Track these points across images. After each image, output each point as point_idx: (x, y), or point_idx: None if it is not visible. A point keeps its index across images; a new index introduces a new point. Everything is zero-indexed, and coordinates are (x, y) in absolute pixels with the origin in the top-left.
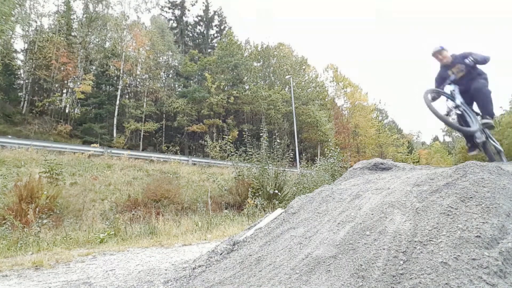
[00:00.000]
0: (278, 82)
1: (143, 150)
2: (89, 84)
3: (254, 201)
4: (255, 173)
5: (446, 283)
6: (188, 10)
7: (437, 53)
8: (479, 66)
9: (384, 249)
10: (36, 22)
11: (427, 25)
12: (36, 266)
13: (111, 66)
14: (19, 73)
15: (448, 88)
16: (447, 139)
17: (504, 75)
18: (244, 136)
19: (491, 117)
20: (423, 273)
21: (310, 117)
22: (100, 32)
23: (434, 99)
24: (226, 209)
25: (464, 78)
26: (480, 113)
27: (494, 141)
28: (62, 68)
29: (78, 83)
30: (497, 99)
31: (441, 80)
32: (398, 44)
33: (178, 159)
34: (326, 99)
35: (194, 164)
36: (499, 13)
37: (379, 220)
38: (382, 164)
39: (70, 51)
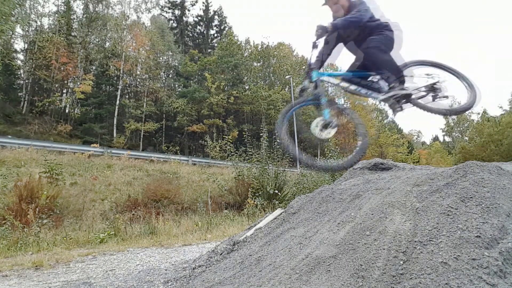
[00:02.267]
0: (278, 82)
1: (143, 150)
2: (89, 84)
3: (254, 201)
4: (255, 173)
5: (446, 283)
6: (188, 10)
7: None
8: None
9: (384, 249)
10: (36, 22)
11: (428, 24)
12: (36, 266)
13: (111, 66)
14: (19, 73)
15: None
16: (447, 139)
17: (504, 74)
18: (244, 136)
19: (400, 80)
20: (423, 273)
21: (310, 117)
22: (100, 32)
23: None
24: (226, 209)
25: (360, 35)
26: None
27: (430, 78)
28: (62, 68)
29: (78, 83)
30: (497, 99)
31: (336, 42)
32: None
33: (178, 159)
34: None
35: (194, 164)
36: (499, 12)
37: (379, 220)
38: (382, 164)
39: (70, 51)
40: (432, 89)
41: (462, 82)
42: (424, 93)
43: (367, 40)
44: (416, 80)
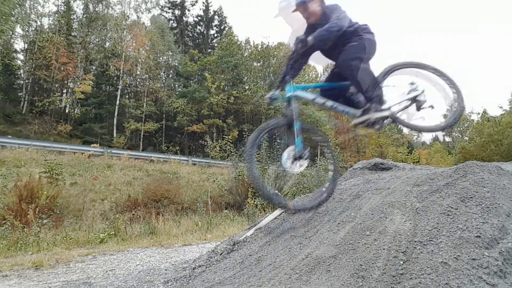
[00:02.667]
0: (278, 82)
1: (143, 150)
2: (89, 84)
3: (254, 201)
4: (255, 173)
5: (446, 283)
6: (188, 10)
7: (301, 6)
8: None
9: (384, 249)
10: (36, 22)
11: (429, 23)
12: (36, 266)
13: (111, 66)
14: (19, 73)
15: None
16: (447, 139)
17: (504, 74)
18: (244, 136)
19: (370, 100)
20: (423, 273)
21: (310, 117)
22: (100, 32)
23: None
24: (226, 209)
25: (336, 45)
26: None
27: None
28: (62, 68)
29: (78, 83)
30: (496, 99)
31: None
32: (397, 42)
33: (178, 159)
34: None
35: (194, 164)
36: (498, 13)
37: (379, 220)
38: (382, 164)
39: (70, 51)
40: (406, 109)
41: (442, 87)
42: (401, 109)
43: (334, 53)
44: (389, 100)
